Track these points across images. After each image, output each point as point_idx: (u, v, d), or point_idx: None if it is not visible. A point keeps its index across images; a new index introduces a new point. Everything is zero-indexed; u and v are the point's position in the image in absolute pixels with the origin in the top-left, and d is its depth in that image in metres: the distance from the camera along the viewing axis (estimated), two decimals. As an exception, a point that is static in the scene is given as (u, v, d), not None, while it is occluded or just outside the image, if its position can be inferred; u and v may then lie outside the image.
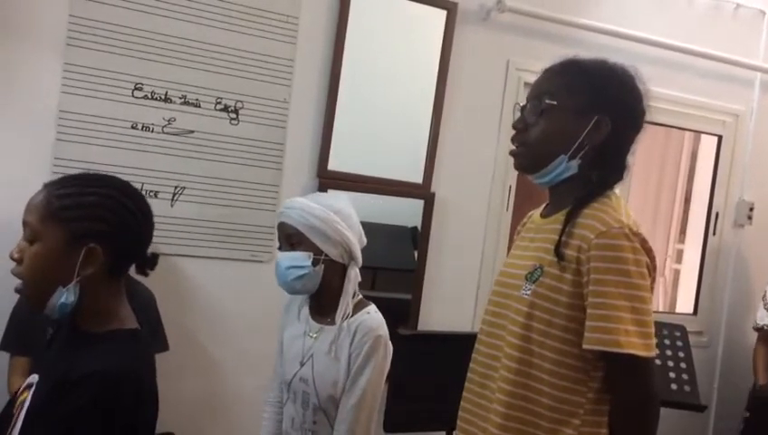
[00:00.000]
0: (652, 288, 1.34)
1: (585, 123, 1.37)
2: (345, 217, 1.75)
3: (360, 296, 1.79)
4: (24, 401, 1.24)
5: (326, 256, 1.72)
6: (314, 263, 1.71)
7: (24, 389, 1.28)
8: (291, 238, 1.72)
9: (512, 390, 1.37)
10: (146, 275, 1.33)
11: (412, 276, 2.76)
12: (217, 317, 2.48)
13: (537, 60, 2.72)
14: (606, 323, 1.28)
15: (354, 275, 1.77)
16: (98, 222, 1.21)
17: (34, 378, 1.29)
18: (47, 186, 1.24)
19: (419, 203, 2.74)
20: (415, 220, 2.78)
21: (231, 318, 2.50)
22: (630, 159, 1.44)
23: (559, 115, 1.39)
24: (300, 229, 1.71)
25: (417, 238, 2.79)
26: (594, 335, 1.29)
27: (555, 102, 1.38)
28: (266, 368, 2.44)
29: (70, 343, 1.27)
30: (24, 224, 1.22)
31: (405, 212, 2.79)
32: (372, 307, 1.78)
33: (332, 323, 1.74)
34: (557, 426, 1.34)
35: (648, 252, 1.33)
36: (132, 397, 1.17)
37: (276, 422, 1.85)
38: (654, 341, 1.30)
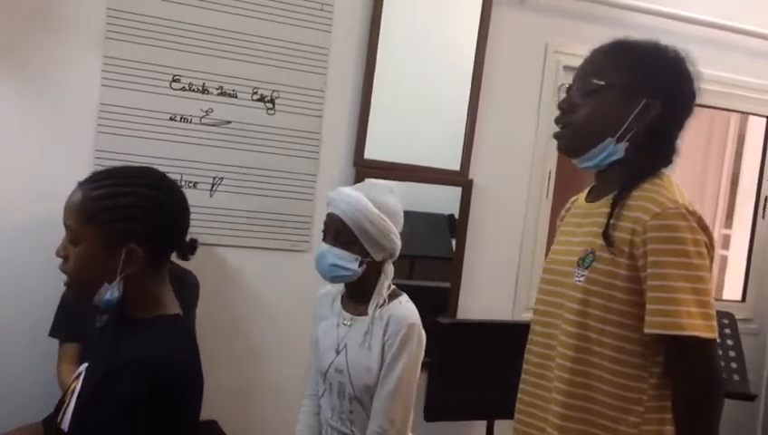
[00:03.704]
0: (711, 268, 1.30)
1: (634, 105, 1.33)
2: (397, 220, 1.75)
3: (393, 287, 1.79)
4: (74, 389, 1.28)
5: (371, 258, 1.72)
6: (359, 264, 1.71)
7: (75, 378, 1.32)
8: (340, 236, 1.71)
9: (571, 378, 1.35)
10: (186, 259, 1.35)
11: (449, 264, 2.74)
12: (256, 306, 2.50)
13: (576, 42, 2.70)
14: (667, 306, 1.25)
15: (390, 269, 1.78)
16: (135, 223, 1.22)
17: (84, 367, 1.33)
18: (82, 185, 1.25)
19: (456, 190, 2.71)
20: (451, 208, 2.75)
21: (269, 307, 2.51)
22: (680, 142, 1.40)
23: (607, 96, 1.35)
24: (354, 230, 1.69)
25: (453, 226, 2.76)
26: (655, 319, 1.26)
27: (603, 83, 1.35)
28: (303, 356, 2.45)
29: (117, 331, 1.31)
30: (65, 226, 1.24)
31: (441, 200, 2.77)
32: (404, 297, 1.78)
33: (365, 313, 1.75)
34: (621, 414, 1.31)
35: (706, 230, 1.29)
36: (175, 381, 1.19)
37: (313, 415, 1.86)
38: (716, 322, 1.27)
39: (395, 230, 1.73)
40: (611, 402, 1.32)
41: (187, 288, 2.16)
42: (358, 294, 1.78)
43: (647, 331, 1.27)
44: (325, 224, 1.76)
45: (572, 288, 1.36)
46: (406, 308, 1.74)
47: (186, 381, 1.23)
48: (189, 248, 1.34)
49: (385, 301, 1.74)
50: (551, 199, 2.87)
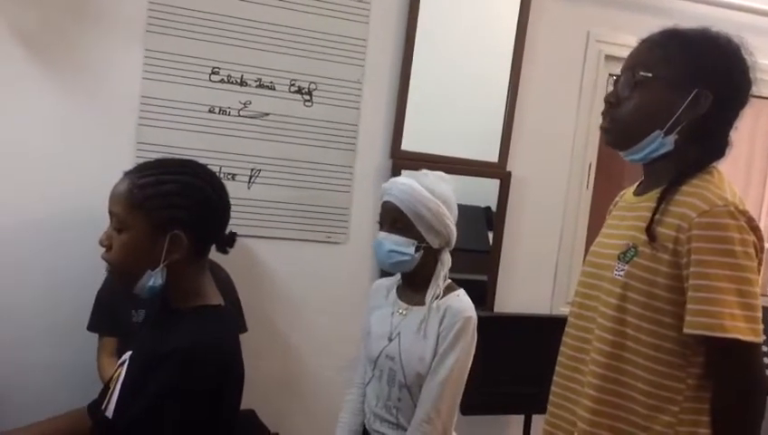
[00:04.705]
0: (759, 270, 1.26)
1: (683, 97, 1.29)
2: (451, 207, 1.77)
3: (450, 281, 1.81)
4: (118, 377, 1.30)
5: (427, 243, 1.74)
6: (416, 250, 1.73)
7: (119, 366, 1.34)
8: (396, 222, 1.74)
9: (604, 373, 1.33)
10: (225, 252, 1.38)
11: (485, 257, 2.71)
12: (293, 298, 2.52)
13: (619, 31, 2.65)
14: (709, 307, 1.21)
15: (447, 258, 1.79)
16: (180, 210, 1.26)
17: (128, 355, 1.35)
18: (128, 174, 1.29)
19: (493, 182, 2.68)
20: (488, 200, 2.73)
21: (306, 299, 2.53)
22: (733, 135, 1.35)
23: (654, 88, 1.31)
24: (409, 216, 1.73)
25: (490, 219, 2.74)
26: (696, 319, 1.22)
27: (650, 75, 1.31)
28: (341, 348, 2.47)
29: (159, 321, 1.34)
30: (110, 213, 1.28)
31: (478, 192, 2.74)
32: (461, 291, 1.80)
33: (421, 303, 1.76)
34: (654, 413, 1.29)
35: (755, 231, 1.25)
36: (216, 370, 1.22)
37: (359, 403, 1.88)
38: (761, 326, 1.22)
39: (449, 216, 1.75)
40: (644, 400, 1.30)
41: (223, 286, 2.18)
42: (415, 284, 1.80)
43: (686, 331, 1.24)
44: (381, 215, 1.80)
45: (611, 282, 1.34)
46: (463, 302, 1.76)
47: (228, 372, 1.25)
48: (228, 241, 1.36)
49: (440, 293, 1.75)
50: (591, 191, 2.82)
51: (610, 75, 1.33)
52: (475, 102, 2.65)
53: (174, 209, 1.25)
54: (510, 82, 2.62)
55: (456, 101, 2.62)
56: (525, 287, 2.75)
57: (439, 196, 1.74)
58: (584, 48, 2.72)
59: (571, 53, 2.72)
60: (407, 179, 1.77)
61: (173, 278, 1.27)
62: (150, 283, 1.25)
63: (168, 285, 1.27)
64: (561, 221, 2.78)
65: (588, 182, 2.80)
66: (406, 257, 1.74)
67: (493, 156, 2.66)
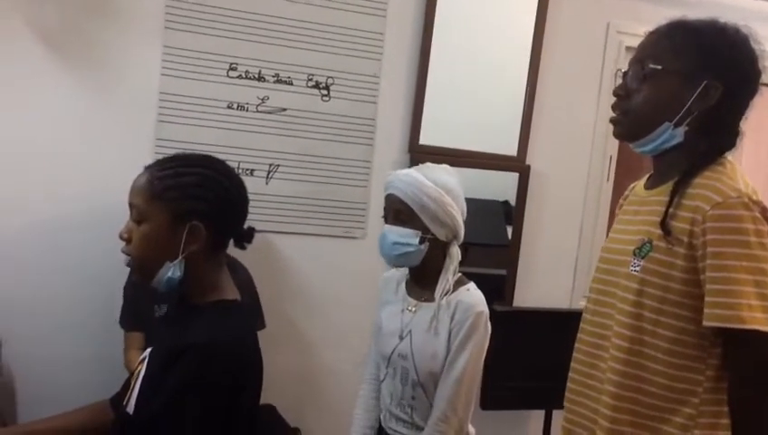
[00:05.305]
0: None
1: (693, 88, 1.28)
2: (455, 196, 1.73)
3: (460, 274, 1.78)
4: (139, 373, 1.32)
5: (432, 235, 1.71)
6: (420, 241, 1.70)
7: (140, 362, 1.36)
8: (400, 214, 1.72)
9: (624, 370, 1.32)
10: (243, 248, 1.38)
11: (504, 251, 2.70)
12: (311, 293, 2.52)
13: (640, 22, 2.58)
14: (727, 299, 1.21)
15: (456, 252, 1.76)
16: (199, 201, 1.27)
17: (148, 351, 1.37)
18: (148, 168, 1.30)
19: (511, 176, 2.67)
20: (506, 194, 2.71)
21: (324, 293, 2.53)
22: (744, 124, 1.34)
23: (664, 80, 1.31)
24: (411, 206, 1.70)
25: (509, 212, 2.72)
26: (715, 311, 1.22)
27: (660, 67, 1.30)
28: (359, 343, 2.47)
29: (177, 316, 1.35)
30: (131, 205, 1.29)
31: (496, 186, 2.73)
32: (472, 284, 1.77)
33: (430, 299, 1.73)
34: (675, 405, 1.29)
35: None
36: (234, 366, 1.22)
37: (372, 399, 1.86)
38: None
39: (455, 206, 1.72)
40: (665, 394, 1.30)
41: (243, 283, 2.19)
42: (423, 280, 1.77)
43: (706, 323, 1.24)
44: (385, 208, 1.77)
45: (627, 278, 1.34)
46: (473, 296, 1.73)
47: (246, 367, 1.26)
48: (247, 236, 1.37)
49: (450, 288, 1.72)
50: (611, 184, 2.79)
51: (618, 70, 1.33)
52: (494, 96, 2.63)
53: (193, 201, 1.26)
54: (529, 75, 2.60)
55: (475, 94, 2.60)
56: (545, 281, 2.73)
57: (442, 186, 1.70)
58: (604, 39, 2.68)
59: (591, 45, 2.69)
60: (409, 171, 1.75)
61: (191, 272, 1.28)
62: (169, 274, 1.26)
63: (186, 279, 1.28)
64: (581, 214, 2.76)
65: (608, 175, 2.78)
66: (410, 249, 1.70)
67: (512, 149, 2.64)
